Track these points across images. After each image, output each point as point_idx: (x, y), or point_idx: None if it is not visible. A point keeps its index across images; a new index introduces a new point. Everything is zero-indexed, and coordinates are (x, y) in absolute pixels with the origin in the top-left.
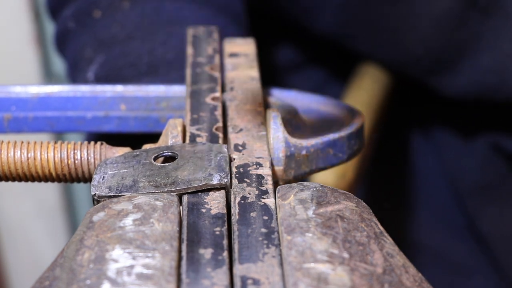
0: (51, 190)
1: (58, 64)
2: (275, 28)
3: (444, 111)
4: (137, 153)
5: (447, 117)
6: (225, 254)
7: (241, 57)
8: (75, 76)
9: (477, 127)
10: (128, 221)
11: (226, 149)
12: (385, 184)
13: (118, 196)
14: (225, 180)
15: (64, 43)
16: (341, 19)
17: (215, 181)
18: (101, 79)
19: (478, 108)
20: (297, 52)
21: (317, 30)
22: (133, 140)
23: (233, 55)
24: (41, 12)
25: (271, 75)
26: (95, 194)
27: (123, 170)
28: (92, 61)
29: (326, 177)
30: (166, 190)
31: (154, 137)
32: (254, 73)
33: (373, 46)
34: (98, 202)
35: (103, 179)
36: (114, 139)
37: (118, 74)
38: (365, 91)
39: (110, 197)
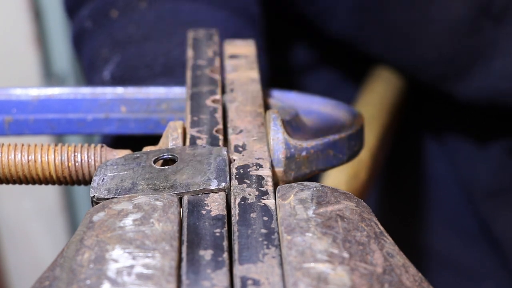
0: (51, 190)
1: (58, 64)
2: (289, 29)
3: (458, 116)
4: (138, 155)
5: (460, 122)
6: (225, 255)
7: (241, 59)
8: (91, 75)
9: (491, 132)
10: (128, 221)
11: (226, 152)
12: (398, 188)
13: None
14: (223, 184)
15: (81, 42)
16: (356, 21)
17: (213, 186)
18: (116, 79)
19: (491, 113)
20: (310, 54)
21: (331, 32)
22: (134, 142)
23: (233, 56)
24: (41, 12)
25: (285, 76)
26: (94, 196)
27: (123, 172)
28: (108, 61)
29: (338, 178)
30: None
31: (154, 139)
32: (254, 74)
33: (386, 50)
34: (97, 204)
35: (102, 181)
36: (114, 141)
37: (133, 75)
38: (378, 94)
39: (108, 199)
